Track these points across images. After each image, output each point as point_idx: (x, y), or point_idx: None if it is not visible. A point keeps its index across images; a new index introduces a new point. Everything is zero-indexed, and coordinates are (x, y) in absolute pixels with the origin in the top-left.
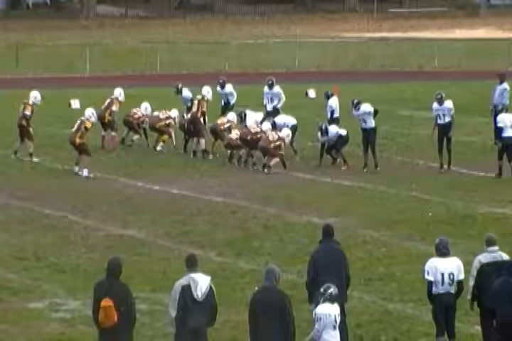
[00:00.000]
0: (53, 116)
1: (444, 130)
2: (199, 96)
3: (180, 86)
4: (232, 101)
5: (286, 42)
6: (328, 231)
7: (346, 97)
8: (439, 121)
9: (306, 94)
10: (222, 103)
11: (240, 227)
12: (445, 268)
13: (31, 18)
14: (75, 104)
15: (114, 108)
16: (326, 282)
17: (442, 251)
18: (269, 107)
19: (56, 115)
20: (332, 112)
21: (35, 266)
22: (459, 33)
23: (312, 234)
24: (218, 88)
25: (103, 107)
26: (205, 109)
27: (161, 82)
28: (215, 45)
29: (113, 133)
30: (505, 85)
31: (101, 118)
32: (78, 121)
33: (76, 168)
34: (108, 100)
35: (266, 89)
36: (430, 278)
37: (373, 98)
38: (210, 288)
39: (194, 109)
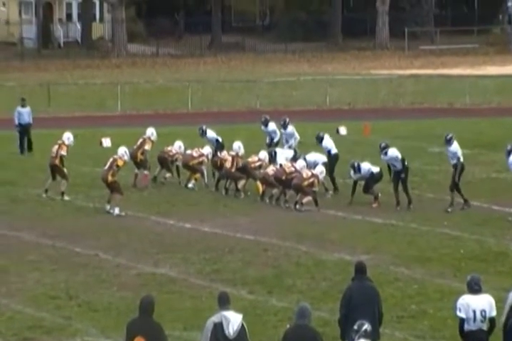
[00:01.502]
0: (84, 154)
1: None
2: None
3: (204, 127)
4: (276, 138)
5: (317, 79)
6: (360, 269)
7: (378, 134)
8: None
9: (337, 131)
10: (267, 141)
11: (272, 265)
12: (477, 305)
13: (63, 57)
14: (106, 142)
15: (147, 147)
16: (359, 319)
17: (474, 288)
18: (286, 147)
19: (87, 153)
20: (329, 152)
21: (67, 305)
22: (490, 70)
23: (344, 272)
24: (262, 126)
25: (135, 146)
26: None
27: (192, 120)
28: (246, 82)
29: (145, 172)
30: None
31: (133, 157)
32: (111, 159)
33: (108, 206)
34: (140, 140)
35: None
36: (462, 315)
37: (404, 135)
38: (242, 325)
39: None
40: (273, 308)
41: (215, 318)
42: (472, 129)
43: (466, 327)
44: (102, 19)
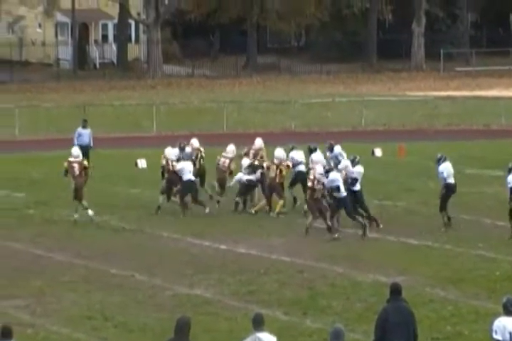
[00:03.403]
0: (120, 175)
1: None
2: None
3: (183, 145)
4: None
5: (352, 101)
6: (396, 290)
7: (413, 156)
8: None
9: (373, 152)
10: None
11: (307, 286)
12: None
13: (98, 78)
14: (142, 163)
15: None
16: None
17: (510, 310)
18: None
19: (122, 174)
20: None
21: (103, 326)
22: None
23: (379, 293)
24: (327, 153)
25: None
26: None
27: (227, 141)
28: (281, 103)
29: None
30: None
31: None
32: None
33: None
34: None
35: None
36: (498, 337)
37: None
38: None
39: (272, 174)
40: (308, 330)
41: (249, 339)
42: (508, 151)
43: None
44: (137, 40)
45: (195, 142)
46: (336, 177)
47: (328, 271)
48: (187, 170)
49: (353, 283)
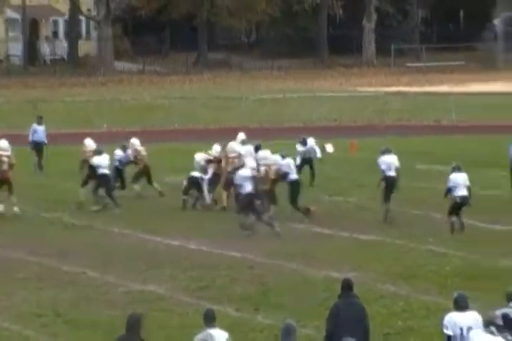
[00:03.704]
0: (68, 171)
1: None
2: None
3: (124, 145)
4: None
5: (303, 96)
6: (347, 286)
7: (364, 152)
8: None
9: (324, 148)
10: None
11: (258, 282)
12: (464, 323)
13: (49, 74)
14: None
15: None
16: (346, 336)
17: (460, 305)
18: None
19: (74, 171)
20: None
21: (54, 323)
22: (476, 87)
23: (331, 289)
24: (300, 147)
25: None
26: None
27: (178, 137)
28: (232, 100)
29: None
30: None
31: None
32: None
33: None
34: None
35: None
36: (449, 332)
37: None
38: None
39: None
40: (259, 326)
41: (201, 336)
42: (458, 146)
43: None
44: (88, 37)
45: (135, 142)
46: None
47: (280, 266)
48: (103, 165)
49: (305, 279)
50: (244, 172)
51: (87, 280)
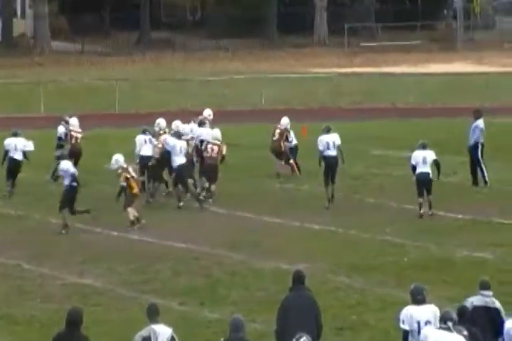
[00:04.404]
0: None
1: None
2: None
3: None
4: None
5: (251, 78)
6: (298, 278)
7: (316, 136)
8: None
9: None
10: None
11: (204, 274)
12: (421, 316)
13: None
14: (29, 145)
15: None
16: (297, 331)
17: (417, 298)
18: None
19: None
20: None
21: None
22: (435, 68)
23: (281, 281)
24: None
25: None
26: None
27: (120, 122)
28: (176, 81)
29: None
30: (480, 122)
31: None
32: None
33: None
34: (278, 131)
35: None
36: (406, 327)
37: (344, 137)
38: (173, 339)
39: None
40: (205, 320)
41: (143, 332)
42: (415, 130)
43: (410, 339)
44: (23, 15)
45: (73, 122)
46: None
47: (227, 258)
48: (12, 148)
49: (253, 271)
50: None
51: (21, 273)
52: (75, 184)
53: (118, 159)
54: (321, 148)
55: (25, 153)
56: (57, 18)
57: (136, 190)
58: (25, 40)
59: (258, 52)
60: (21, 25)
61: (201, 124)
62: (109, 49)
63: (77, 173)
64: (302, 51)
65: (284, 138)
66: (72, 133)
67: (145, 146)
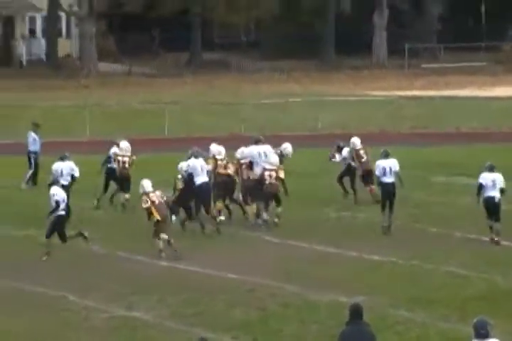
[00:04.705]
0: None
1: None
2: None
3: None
4: None
5: (307, 101)
6: (356, 311)
7: (375, 162)
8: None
9: (330, 158)
10: None
11: (258, 307)
12: None
13: (26, 76)
14: (76, 171)
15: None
16: None
17: (481, 333)
18: None
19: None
20: None
21: None
22: (500, 91)
23: (337, 315)
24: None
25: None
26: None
27: (169, 147)
28: (229, 105)
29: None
30: None
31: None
32: None
33: None
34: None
35: None
36: None
37: (404, 162)
38: None
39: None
40: None
41: None
42: (479, 156)
43: None
44: (68, 34)
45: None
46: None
47: (281, 289)
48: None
49: (308, 304)
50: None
51: (66, 305)
52: (62, 213)
53: (143, 184)
54: (377, 173)
55: (73, 177)
56: (104, 38)
57: (157, 217)
58: (70, 61)
59: (315, 74)
60: (67, 46)
61: (257, 142)
62: (158, 70)
63: (65, 201)
64: (360, 73)
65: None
66: (119, 157)
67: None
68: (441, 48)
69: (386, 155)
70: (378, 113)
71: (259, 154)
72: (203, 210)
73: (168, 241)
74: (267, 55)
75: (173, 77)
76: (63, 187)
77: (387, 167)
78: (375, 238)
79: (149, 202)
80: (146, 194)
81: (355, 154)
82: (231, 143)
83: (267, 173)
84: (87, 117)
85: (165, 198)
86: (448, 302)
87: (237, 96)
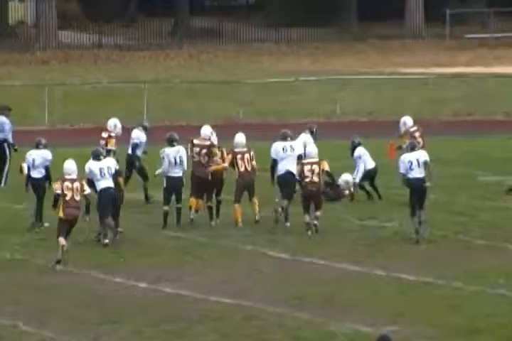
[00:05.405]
0: None
1: None
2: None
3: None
4: None
5: (322, 80)
6: None
7: None
8: None
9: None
10: None
11: (258, 339)
12: None
13: None
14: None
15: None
16: None
17: None
18: None
19: None
20: None
21: None
22: None
23: None
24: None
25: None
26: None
27: (149, 137)
28: (223, 84)
29: None
30: None
31: None
32: None
33: None
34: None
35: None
36: None
37: (446, 157)
38: None
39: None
40: None
41: None
42: None
43: None
44: None
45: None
46: None
47: (290, 318)
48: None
49: (323, 335)
50: None
51: (18, 336)
52: None
53: (64, 166)
54: (402, 170)
55: (47, 169)
56: (67, 1)
57: (59, 214)
58: (24, 29)
59: (332, 45)
60: (20, 10)
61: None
62: (134, 41)
63: None
64: (390, 45)
65: None
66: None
67: None
68: (491, 14)
69: (412, 148)
70: (412, 95)
71: (285, 149)
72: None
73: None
74: (271, 22)
75: (154, 49)
76: (35, 181)
77: (414, 160)
78: (407, 253)
79: (60, 189)
80: (63, 180)
81: (410, 136)
82: (227, 132)
83: (307, 168)
84: (45, 100)
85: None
86: (496, 334)
87: (233, 73)
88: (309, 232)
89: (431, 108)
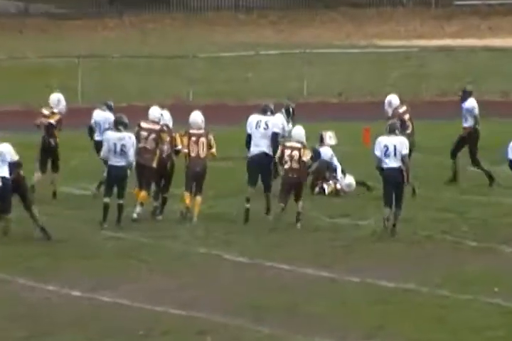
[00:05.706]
0: None
1: None
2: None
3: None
4: None
5: (286, 54)
6: None
7: None
8: None
9: (321, 138)
10: None
11: None
12: None
13: None
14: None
15: None
16: None
17: None
18: None
19: None
20: None
21: None
22: None
23: None
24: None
25: None
26: None
27: (82, 121)
28: (171, 59)
29: None
30: None
31: None
32: None
33: None
34: None
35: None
36: None
37: (430, 144)
38: None
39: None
40: None
41: None
42: None
43: None
44: None
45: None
46: None
47: (249, 331)
48: None
49: None
50: None
51: None
52: None
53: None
54: (377, 153)
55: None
56: None
57: None
58: None
59: (298, 14)
60: None
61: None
62: (67, 9)
63: None
64: (365, 13)
65: None
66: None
67: None
68: None
69: (392, 131)
70: (391, 72)
71: (258, 124)
72: None
73: None
74: None
75: (89, 18)
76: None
77: (391, 145)
78: (385, 255)
79: None
80: None
81: (398, 119)
82: (175, 114)
83: (287, 152)
84: None
85: None
86: None
87: (181, 46)
88: (298, 224)
89: (412, 86)
